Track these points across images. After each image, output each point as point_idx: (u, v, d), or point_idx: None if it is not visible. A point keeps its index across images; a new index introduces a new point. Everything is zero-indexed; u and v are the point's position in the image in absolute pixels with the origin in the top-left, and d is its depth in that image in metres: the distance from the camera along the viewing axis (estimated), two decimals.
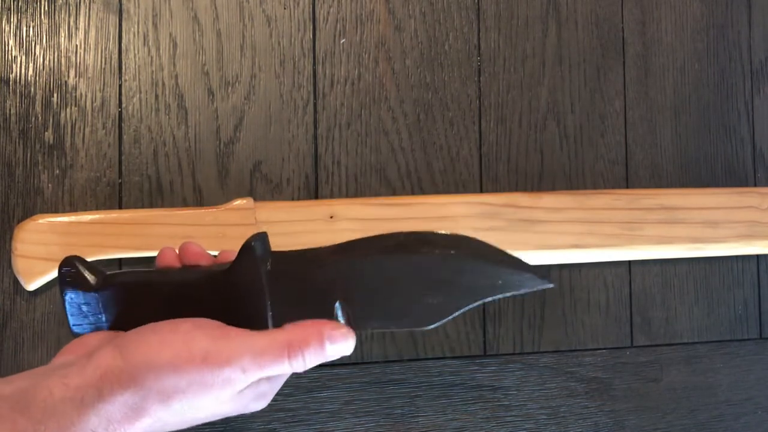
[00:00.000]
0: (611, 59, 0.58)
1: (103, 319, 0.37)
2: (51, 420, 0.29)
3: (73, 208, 0.47)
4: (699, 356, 0.58)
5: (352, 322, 0.35)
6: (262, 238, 0.36)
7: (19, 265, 0.45)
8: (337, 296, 0.35)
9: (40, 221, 0.45)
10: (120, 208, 0.48)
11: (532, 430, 0.54)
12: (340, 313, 0.35)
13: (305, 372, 0.50)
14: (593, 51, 0.57)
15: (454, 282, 0.36)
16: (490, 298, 0.36)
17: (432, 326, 0.36)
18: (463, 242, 0.37)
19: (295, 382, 0.50)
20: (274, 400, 0.49)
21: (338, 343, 0.34)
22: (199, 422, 0.34)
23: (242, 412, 0.35)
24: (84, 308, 0.37)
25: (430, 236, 0.37)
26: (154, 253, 0.46)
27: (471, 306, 0.36)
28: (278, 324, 0.35)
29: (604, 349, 0.56)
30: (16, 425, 0.29)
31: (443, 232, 0.37)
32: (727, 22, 0.61)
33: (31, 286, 0.45)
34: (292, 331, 0.34)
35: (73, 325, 0.37)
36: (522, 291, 0.36)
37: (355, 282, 0.36)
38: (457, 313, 0.36)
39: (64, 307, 0.37)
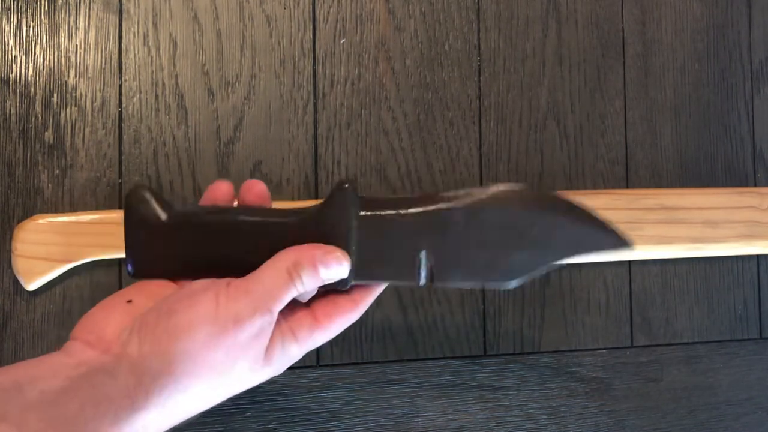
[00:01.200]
0: (611, 59, 0.58)
1: (174, 256, 0.35)
2: None
3: (73, 208, 0.47)
4: (699, 356, 0.58)
5: (435, 274, 0.35)
6: (352, 182, 0.36)
7: (19, 265, 0.45)
8: (423, 245, 0.35)
9: (40, 221, 0.45)
10: (120, 208, 0.48)
11: (532, 430, 0.54)
12: (423, 262, 0.35)
13: (305, 372, 0.50)
14: (593, 51, 0.57)
15: (541, 237, 0.36)
16: (573, 257, 0.36)
17: (514, 283, 0.36)
18: (553, 199, 0.37)
19: (295, 382, 0.50)
20: (274, 400, 0.49)
21: (331, 267, 0.34)
22: (226, 397, 0.33)
23: (266, 378, 0.35)
24: (154, 246, 0.35)
25: (523, 191, 0.37)
26: None
27: (555, 264, 0.36)
28: (359, 274, 0.35)
29: (604, 349, 0.56)
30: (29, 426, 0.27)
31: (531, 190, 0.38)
32: (727, 22, 0.61)
33: (31, 286, 0.45)
34: (286, 257, 0.34)
35: (136, 270, 0.35)
36: (603, 252, 0.37)
37: (442, 231, 0.36)
38: (540, 271, 0.36)
39: (128, 245, 0.35)
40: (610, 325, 0.56)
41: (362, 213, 0.36)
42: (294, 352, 0.35)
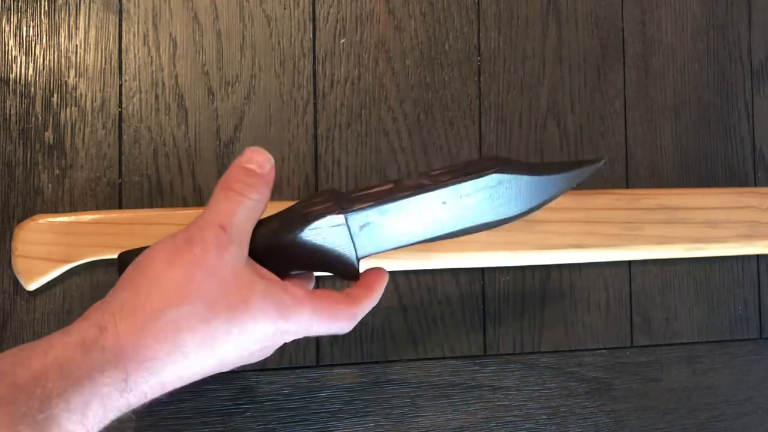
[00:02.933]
0: (611, 59, 0.58)
1: None
2: (53, 367, 0.28)
3: (73, 208, 0.47)
4: (699, 356, 0.58)
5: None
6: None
7: (19, 265, 0.45)
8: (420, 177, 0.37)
9: (40, 221, 0.45)
10: (120, 208, 0.48)
11: (532, 430, 0.54)
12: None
13: (305, 372, 0.50)
14: (593, 51, 0.57)
15: (529, 193, 0.39)
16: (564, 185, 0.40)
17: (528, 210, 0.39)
18: (537, 165, 0.41)
19: (295, 382, 0.50)
20: (273, 400, 0.49)
21: (255, 159, 0.36)
22: (225, 346, 0.32)
23: (268, 335, 0.34)
24: None
25: (503, 159, 0.39)
26: None
27: (548, 199, 0.40)
28: (353, 201, 0.37)
29: (604, 349, 0.56)
30: (16, 378, 0.28)
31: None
32: (727, 22, 0.61)
33: (31, 286, 0.45)
34: (219, 182, 0.35)
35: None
36: (586, 168, 0.41)
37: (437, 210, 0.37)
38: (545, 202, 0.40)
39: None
40: (610, 325, 0.56)
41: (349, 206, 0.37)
42: (286, 301, 0.34)
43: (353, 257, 0.37)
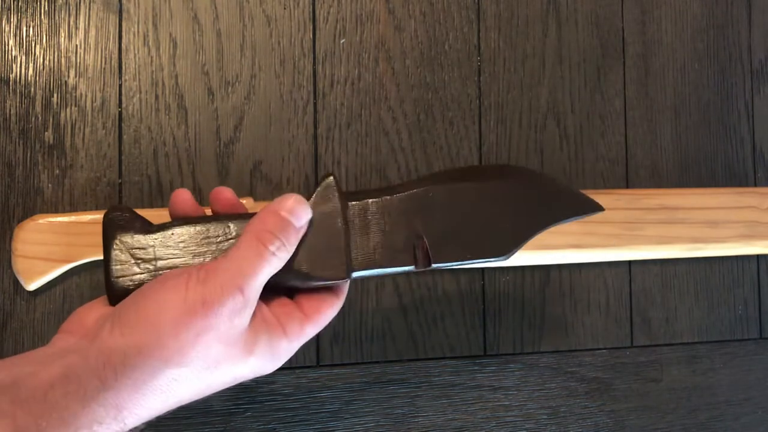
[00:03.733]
0: (611, 59, 0.58)
1: (158, 265, 0.35)
2: (53, 414, 0.28)
3: (73, 208, 0.47)
4: (699, 356, 0.58)
5: (432, 254, 0.36)
6: (335, 177, 0.37)
7: (19, 265, 0.45)
8: (415, 227, 0.36)
9: (40, 221, 0.45)
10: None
11: (532, 430, 0.54)
12: (418, 244, 0.36)
13: (305, 372, 0.50)
14: (593, 51, 0.57)
15: (527, 207, 0.38)
16: (556, 223, 0.38)
17: (505, 257, 0.37)
18: (520, 170, 0.40)
19: (294, 382, 0.50)
20: (273, 399, 0.49)
21: (296, 210, 0.35)
22: (214, 389, 0.33)
23: (259, 373, 0.34)
24: (138, 254, 0.35)
25: (504, 167, 0.39)
26: None
27: (535, 234, 0.38)
28: (359, 265, 0.36)
29: (604, 349, 0.56)
30: (17, 421, 0.27)
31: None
32: (727, 22, 0.61)
33: (31, 286, 0.45)
34: (251, 227, 0.34)
35: (118, 277, 0.35)
36: (581, 216, 0.39)
37: (431, 212, 0.37)
38: (524, 242, 0.37)
39: (109, 257, 0.35)
40: (610, 325, 0.56)
41: (350, 203, 0.37)
42: (283, 345, 0.34)
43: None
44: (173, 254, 0.35)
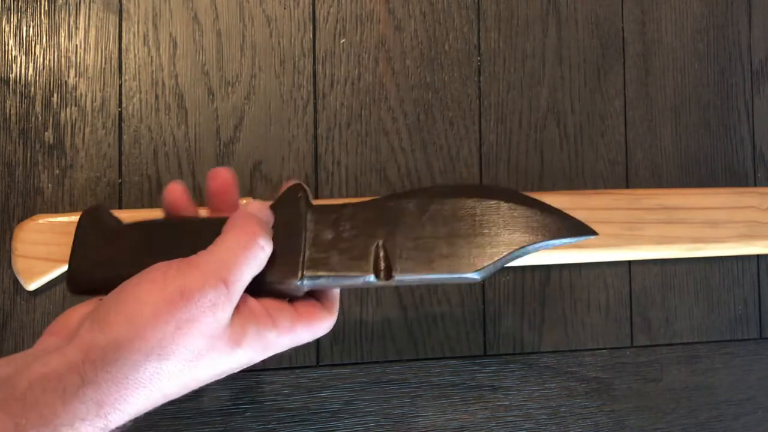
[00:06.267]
0: (611, 59, 0.58)
1: (126, 264, 0.34)
2: (32, 413, 0.27)
3: (73, 208, 0.47)
4: (699, 356, 0.58)
5: (394, 266, 0.34)
6: (302, 186, 0.36)
7: (19, 265, 0.45)
8: (378, 236, 0.35)
9: (40, 221, 0.45)
10: (120, 208, 0.48)
11: (532, 430, 0.54)
12: (380, 254, 0.35)
13: (305, 372, 0.50)
14: (593, 51, 0.57)
15: (499, 226, 0.35)
16: (537, 246, 0.35)
17: (478, 275, 0.35)
18: (505, 190, 0.37)
19: (295, 382, 0.50)
20: (273, 400, 0.49)
21: (264, 212, 0.35)
22: (202, 382, 0.32)
23: (247, 365, 0.34)
24: (98, 255, 0.35)
25: (473, 185, 0.37)
26: None
27: (513, 255, 0.35)
28: (312, 267, 0.35)
29: (604, 349, 0.56)
30: None
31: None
32: (727, 22, 0.61)
33: (31, 286, 0.45)
34: (236, 221, 0.33)
35: (74, 277, 0.35)
36: (566, 238, 0.36)
37: (396, 223, 0.35)
38: (501, 261, 0.35)
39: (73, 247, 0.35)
40: (610, 325, 0.56)
41: (314, 206, 0.36)
42: (272, 337, 0.33)
43: None
44: (141, 255, 0.35)
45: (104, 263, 0.36)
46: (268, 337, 0.33)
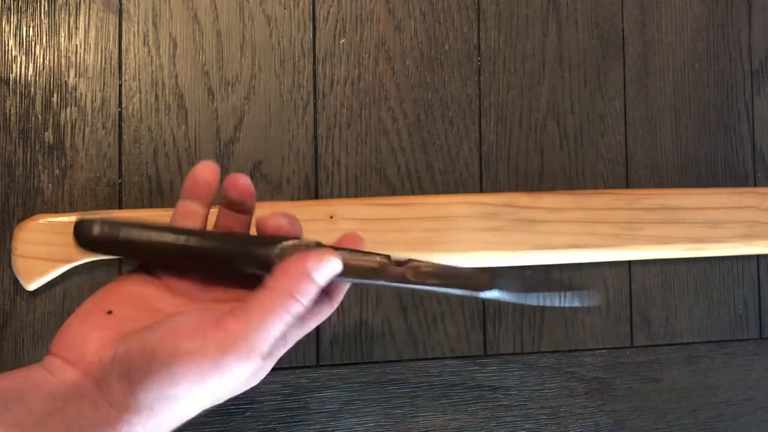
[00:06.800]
0: (611, 59, 0.58)
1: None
2: None
3: (73, 208, 0.47)
4: (699, 356, 0.58)
5: (414, 270, 0.35)
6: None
7: (19, 265, 0.45)
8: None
9: (40, 221, 0.45)
10: (120, 208, 0.48)
11: (532, 430, 0.54)
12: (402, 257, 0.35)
13: (305, 372, 0.50)
14: (593, 51, 0.57)
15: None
16: (542, 294, 0.37)
17: (489, 294, 0.35)
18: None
19: (294, 382, 0.50)
20: (273, 400, 0.49)
21: (323, 269, 0.33)
22: (223, 399, 0.33)
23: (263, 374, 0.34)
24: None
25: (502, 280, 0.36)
26: None
27: (525, 292, 0.36)
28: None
29: (604, 349, 0.56)
30: None
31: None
32: (727, 22, 0.61)
33: (31, 286, 0.45)
34: (276, 284, 0.32)
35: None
36: (568, 301, 0.37)
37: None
38: (510, 287, 0.35)
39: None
40: (610, 325, 0.56)
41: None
42: (281, 353, 0.35)
43: None
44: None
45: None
46: (279, 354, 0.35)
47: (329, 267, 0.33)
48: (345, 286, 0.38)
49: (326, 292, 0.36)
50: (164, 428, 0.31)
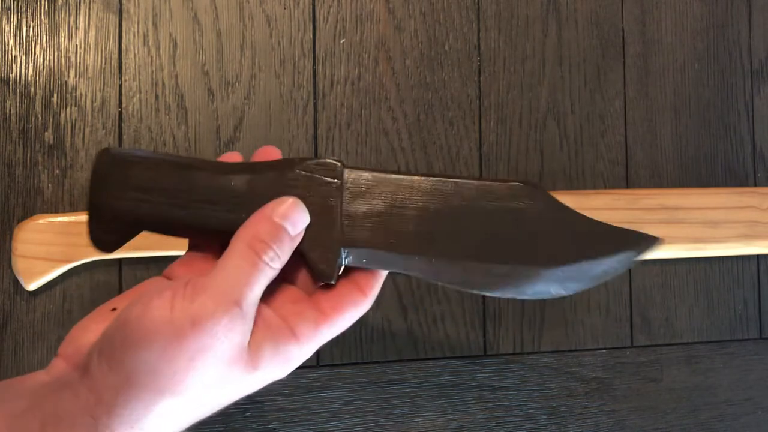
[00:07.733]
0: (611, 59, 0.58)
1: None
2: None
3: (73, 208, 0.47)
4: (699, 356, 0.58)
5: (441, 247, 0.32)
6: (342, 161, 0.34)
7: (19, 265, 0.45)
8: (427, 215, 0.33)
9: (40, 221, 0.45)
10: None
11: (532, 430, 0.54)
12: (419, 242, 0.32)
13: (305, 372, 0.50)
14: (593, 51, 0.57)
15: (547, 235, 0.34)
16: (586, 260, 0.35)
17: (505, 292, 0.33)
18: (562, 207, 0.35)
19: (295, 382, 0.50)
20: (273, 400, 0.49)
21: (291, 216, 0.31)
22: (222, 405, 0.30)
23: (269, 382, 0.32)
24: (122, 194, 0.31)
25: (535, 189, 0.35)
26: (154, 253, 0.46)
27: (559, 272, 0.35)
28: (352, 245, 0.32)
29: (604, 349, 0.56)
30: None
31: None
32: (727, 22, 0.61)
33: (31, 286, 0.45)
34: (243, 234, 0.30)
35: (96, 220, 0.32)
36: (629, 252, 0.35)
37: (447, 204, 0.33)
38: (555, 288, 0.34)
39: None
40: (610, 325, 0.56)
41: (348, 169, 0.34)
42: (294, 352, 0.31)
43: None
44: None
45: (134, 204, 0.32)
46: (289, 351, 0.31)
47: (284, 206, 0.31)
48: (378, 276, 0.34)
49: (356, 283, 0.33)
50: (150, 418, 0.28)
